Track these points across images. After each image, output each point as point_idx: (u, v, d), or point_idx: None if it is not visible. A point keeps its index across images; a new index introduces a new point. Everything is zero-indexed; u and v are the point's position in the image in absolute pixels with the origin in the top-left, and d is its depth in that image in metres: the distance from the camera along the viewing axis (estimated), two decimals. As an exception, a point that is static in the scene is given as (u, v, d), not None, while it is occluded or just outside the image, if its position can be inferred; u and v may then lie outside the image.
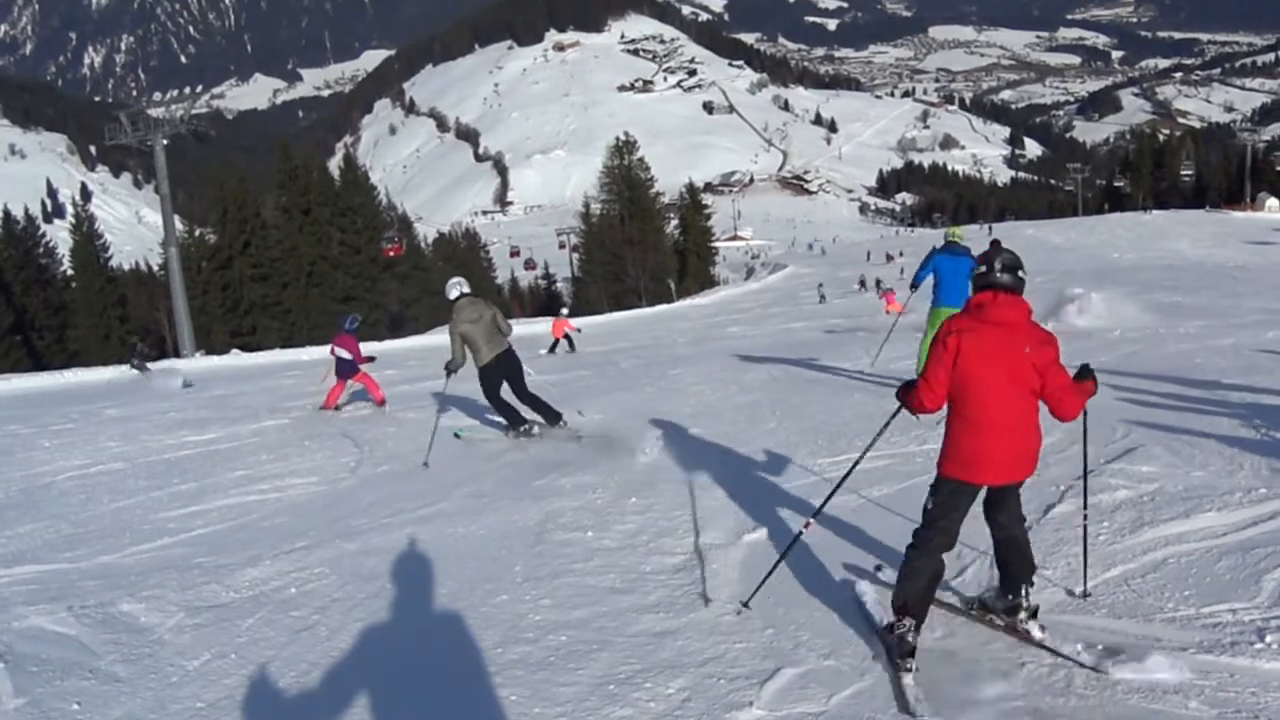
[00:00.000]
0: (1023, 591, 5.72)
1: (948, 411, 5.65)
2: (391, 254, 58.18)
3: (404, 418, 16.24)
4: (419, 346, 42.48)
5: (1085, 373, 5.94)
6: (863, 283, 63.28)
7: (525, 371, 13.64)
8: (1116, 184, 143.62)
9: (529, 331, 39.60)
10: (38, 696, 5.75)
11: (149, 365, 33.44)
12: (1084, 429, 6.51)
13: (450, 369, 13.41)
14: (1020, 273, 5.67)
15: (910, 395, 5.77)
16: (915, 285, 15.81)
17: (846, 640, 5.92)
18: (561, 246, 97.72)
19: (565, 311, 39.96)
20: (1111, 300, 22.61)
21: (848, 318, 37.64)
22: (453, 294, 13.58)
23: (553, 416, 13.33)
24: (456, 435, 13.82)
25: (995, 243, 7.17)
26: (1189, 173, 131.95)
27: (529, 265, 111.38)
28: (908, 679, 5.26)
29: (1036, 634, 5.63)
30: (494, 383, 13.33)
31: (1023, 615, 5.71)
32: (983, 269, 5.67)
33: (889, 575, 6.34)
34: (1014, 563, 5.77)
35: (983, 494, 5.69)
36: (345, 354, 17.42)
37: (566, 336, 34.02)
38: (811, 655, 5.75)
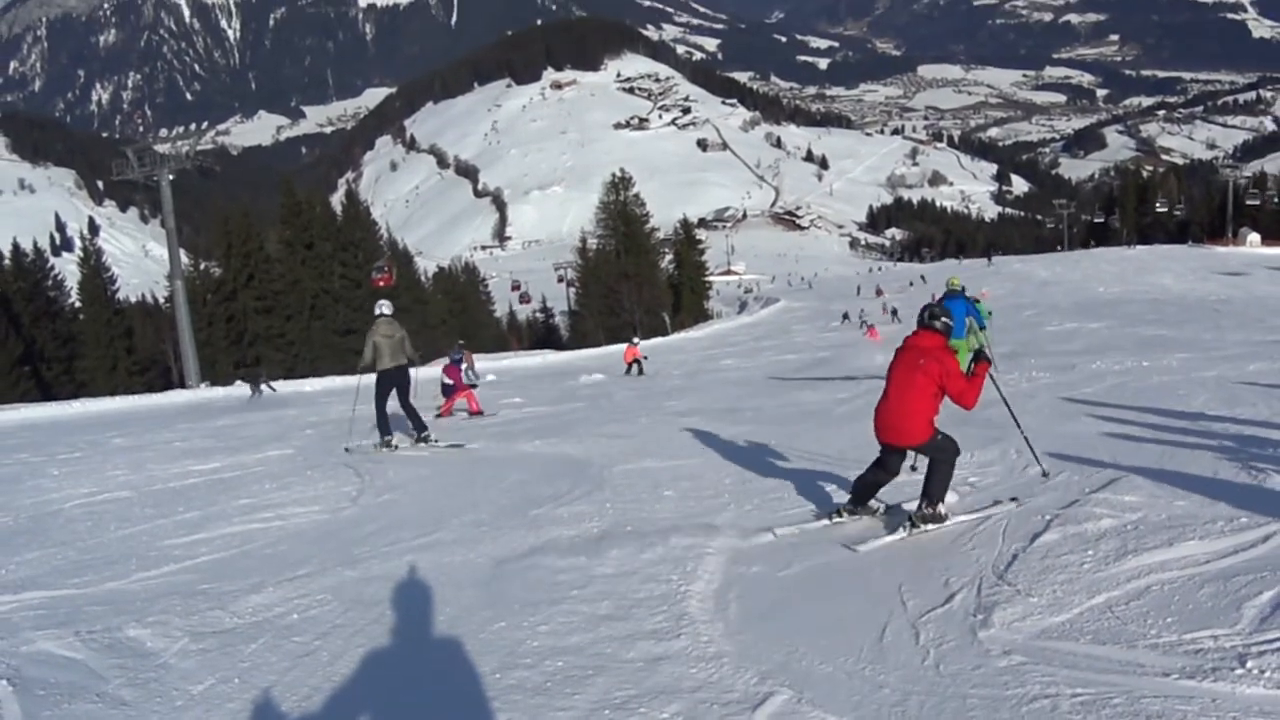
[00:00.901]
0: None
1: None
2: (381, 284, 57.64)
3: (403, 446, 16.25)
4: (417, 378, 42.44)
5: (978, 357, 8.82)
6: (846, 316, 63.35)
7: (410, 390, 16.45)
8: (1096, 220, 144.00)
9: (522, 364, 39.74)
10: (45, 720, 5.76)
11: (271, 388, 37.17)
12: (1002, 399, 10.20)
13: (360, 368, 16.45)
14: (937, 322, 8.53)
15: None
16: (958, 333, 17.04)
17: (840, 664, 5.93)
18: (560, 280, 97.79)
19: (636, 340, 43.20)
20: None
21: (833, 349, 37.79)
22: (377, 311, 16.33)
23: (420, 428, 16.39)
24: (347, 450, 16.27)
25: (930, 303, 9.56)
26: (1180, 208, 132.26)
27: (524, 299, 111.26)
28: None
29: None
30: (385, 388, 16.11)
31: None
32: (921, 315, 8.66)
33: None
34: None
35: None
36: (448, 380, 23.02)
37: (637, 361, 37.10)
38: (805, 680, 5.76)
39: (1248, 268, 76.99)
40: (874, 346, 37.75)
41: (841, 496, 9.79)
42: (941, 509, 8.43)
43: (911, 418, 8.24)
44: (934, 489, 8.40)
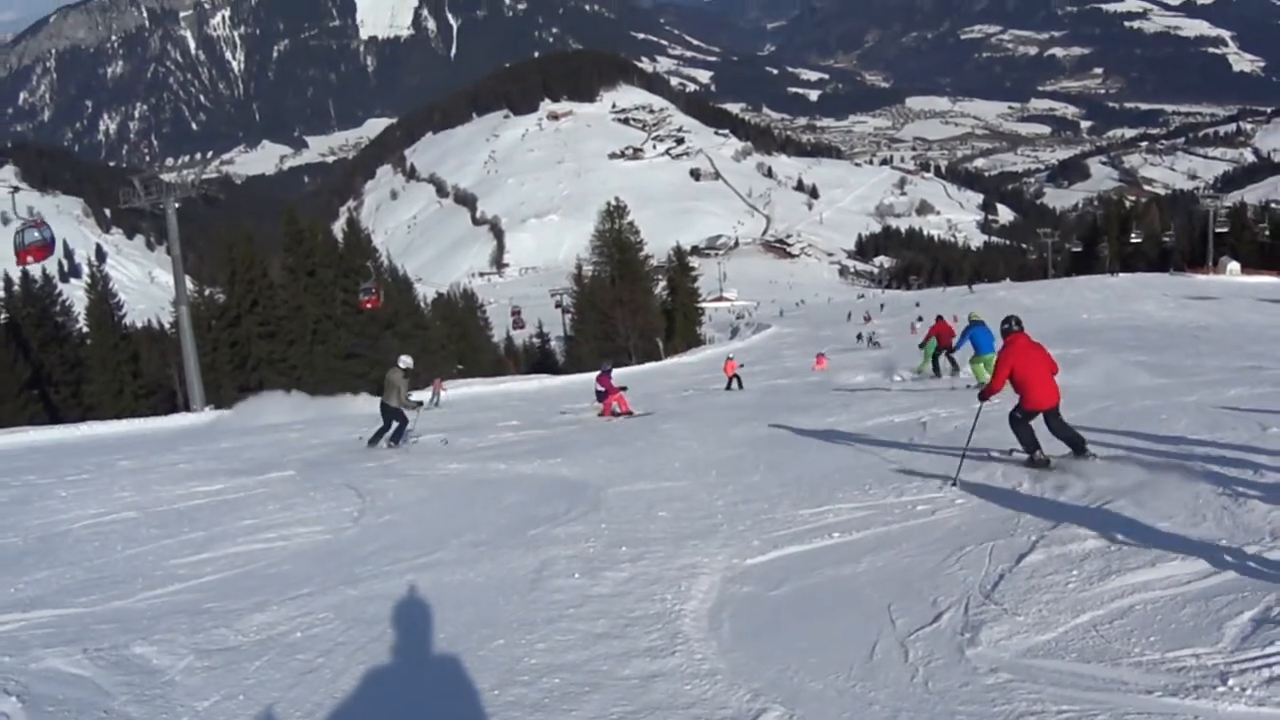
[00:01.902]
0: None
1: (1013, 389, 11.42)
2: (369, 305, 56.96)
3: (403, 468, 16.26)
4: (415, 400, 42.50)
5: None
6: (860, 337, 63.94)
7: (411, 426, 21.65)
8: (1074, 250, 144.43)
9: (519, 388, 39.77)
10: (54, 736, 5.76)
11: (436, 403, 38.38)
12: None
13: (412, 405, 21.37)
14: (1016, 324, 11.85)
15: (987, 391, 11.88)
16: (958, 347, 26.28)
17: (831, 681, 5.94)
18: (558, 307, 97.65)
19: (732, 355, 45.88)
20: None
21: (823, 374, 37.84)
22: (401, 365, 21.44)
23: (400, 440, 20.93)
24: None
25: (1010, 317, 12.34)
26: (1169, 235, 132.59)
27: (517, 325, 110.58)
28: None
29: None
30: (395, 413, 20.77)
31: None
32: (1006, 326, 11.96)
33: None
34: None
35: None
36: (601, 387, 26.16)
37: (736, 376, 38.09)
38: (797, 696, 5.77)
39: (1214, 293, 77.70)
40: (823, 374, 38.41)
41: (831, 514, 9.83)
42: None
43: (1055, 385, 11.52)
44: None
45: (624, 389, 27.03)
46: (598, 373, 27.68)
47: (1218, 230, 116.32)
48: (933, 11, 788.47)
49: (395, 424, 20.79)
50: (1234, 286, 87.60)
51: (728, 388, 36.84)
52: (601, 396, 26.20)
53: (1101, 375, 22.43)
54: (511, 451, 17.91)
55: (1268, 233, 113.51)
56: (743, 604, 7.45)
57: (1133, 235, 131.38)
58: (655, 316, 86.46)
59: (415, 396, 23.57)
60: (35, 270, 61.17)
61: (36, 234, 40.41)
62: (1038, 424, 11.38)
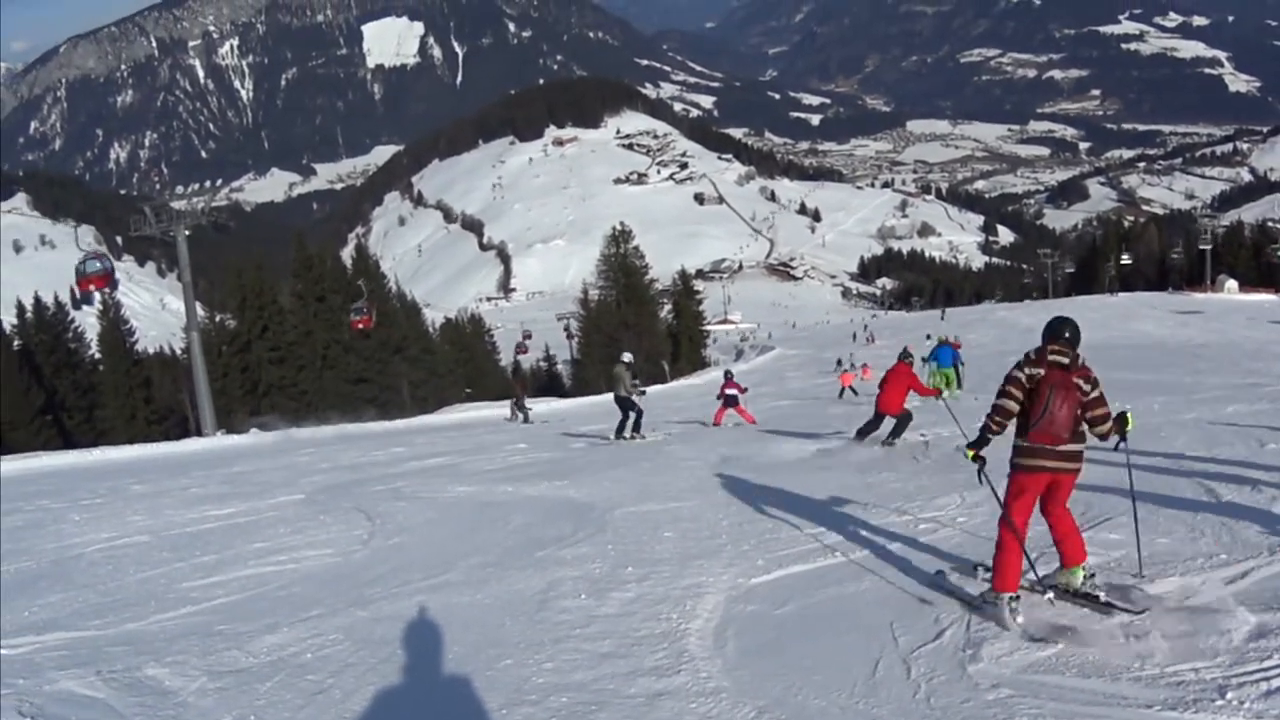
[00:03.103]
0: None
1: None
2: (361, 325, 56.51)
3: (413, 491, 16.26)
4: (425, 425, 42.57)
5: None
6: (840, 363, 63.33)
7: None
8: (1068, 270, 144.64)
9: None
10: (68, 757, 5.77)
11: (528, 411, 39.61)
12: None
13: (638, 392, 23.30)
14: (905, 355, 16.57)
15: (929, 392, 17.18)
16: (928, 360, 29.78)
17: (834, 699, 5.95)
18: (565, 331, 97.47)
19: (848, 366, 47.17)
20: None
21: (828, 396, 37.81)
22: (624, 359, 23.91)
23: (635, 428, 23.13)
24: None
25: (904, 349, 16.54)
26: (1178, 253, 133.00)
27: (519, 349, 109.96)
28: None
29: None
30: (627, 402, 23.06)
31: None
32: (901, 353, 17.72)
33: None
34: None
35: None
36: (732, 391, 26.38)
37: (851, 388, 37.26)
38: (801, 714, 5.78)
39: (1201, 307, 78.33)
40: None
41: (834, 533, 9.85)
42: None
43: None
44: None
45: (745, 389, 27.75)
46: (727, 380, 27.26)
47: (1200, 246, 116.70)
48: (932, 36, 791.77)
49: (632, 414, 22.94)
50: (1232, 304, 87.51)
51: (840, 395, 35.36)
52: (731, 402, 26.20)
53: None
54: (519, 474, 17.90)
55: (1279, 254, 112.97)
56: (747, 623, 7.46)
57: (1123, 258, 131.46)
58: (661, 339, 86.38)
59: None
60: (48, 297, 61.37)
61: (98, 264, 44.00)
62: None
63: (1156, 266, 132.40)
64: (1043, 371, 6.91)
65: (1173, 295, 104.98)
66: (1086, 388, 7.03)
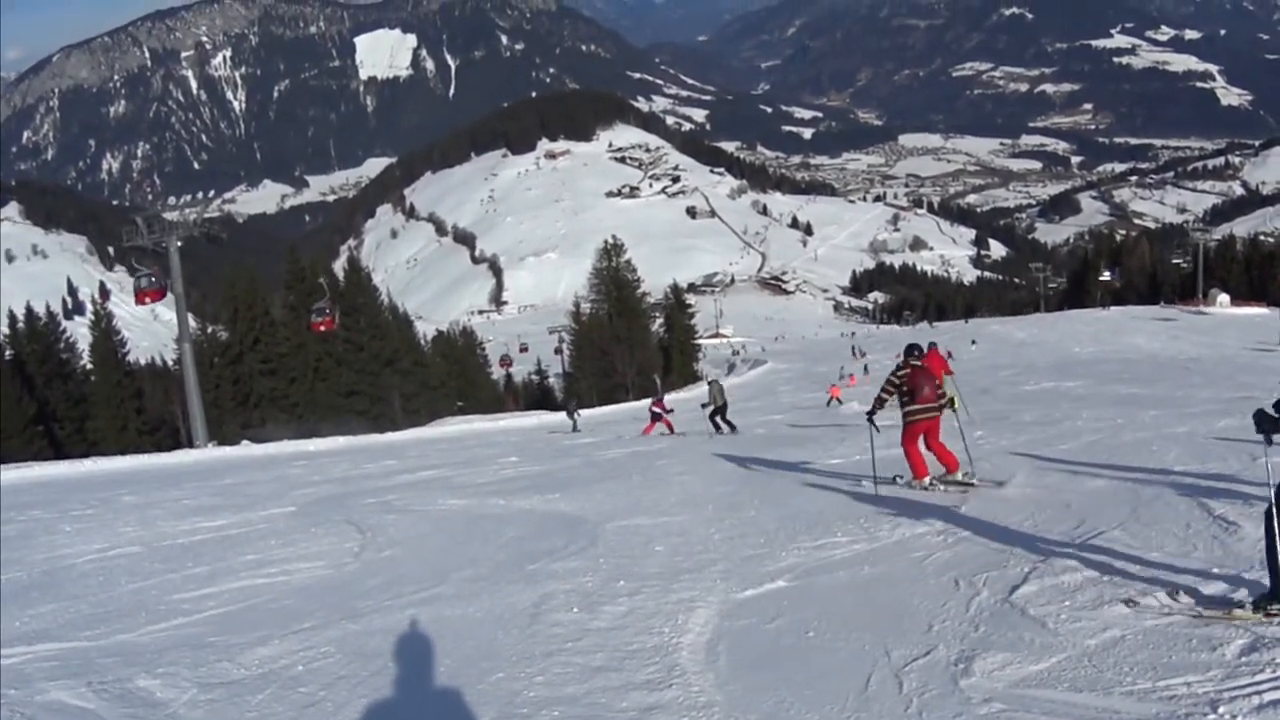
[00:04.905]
0: None
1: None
2: (323, 328, 56.07)
3: (404, 504, 16.26)
4: (417, 439, 42.56)
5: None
6: (842, 374, 63.48)
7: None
8: (1054, 285, 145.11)
9: (517, 424, 39.86)
10: (59, 769, 5.76)
11: (578, 416, 42.57)
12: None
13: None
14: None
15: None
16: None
17: (826, 713, 5.95)
18: (557, 349, 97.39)
19: (837, 379, 50.00)
20: None
21: (818, 409, 37.84)
22: (709, 377, 29.99)
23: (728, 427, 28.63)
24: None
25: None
26: (1187, 262, 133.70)
27: (504, 362, 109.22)
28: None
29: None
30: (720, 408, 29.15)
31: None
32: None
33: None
34: None
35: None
36: (657, 409, 32.63)
37: (839, 399, 41.81)
38: (791, 728, 5.78)
39: (1177, 315, 78.92)
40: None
41: (826, 548, 9.86)
42: None
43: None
44: None
45: (671, 411, 33.12)
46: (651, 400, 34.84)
47: (1174, 259, 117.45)
48: (924, 50, 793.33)
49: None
50: (1222, 317, 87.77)
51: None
52: (657, 417, 32.15)
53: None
54: (510, 487, 17.91)
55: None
56: (739, 637, 7.46)
57: (1104, 274, 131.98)
58: (653, 353, 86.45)
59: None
60: (40, 307, 61.32)
61: (153, 279, 48.59)
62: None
63: (1148, 280, 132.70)
64: (909, 371, 13.14)
65: (1164, 309, 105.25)
66: (932, 374, 13.45)
